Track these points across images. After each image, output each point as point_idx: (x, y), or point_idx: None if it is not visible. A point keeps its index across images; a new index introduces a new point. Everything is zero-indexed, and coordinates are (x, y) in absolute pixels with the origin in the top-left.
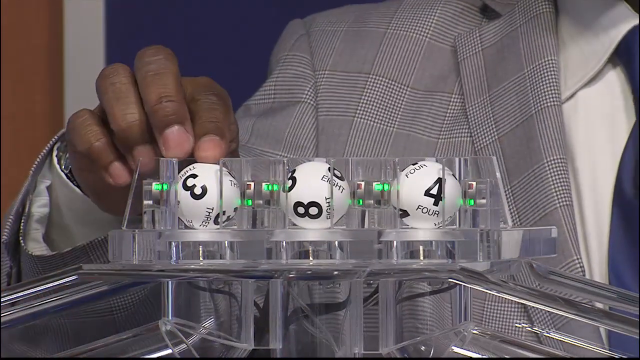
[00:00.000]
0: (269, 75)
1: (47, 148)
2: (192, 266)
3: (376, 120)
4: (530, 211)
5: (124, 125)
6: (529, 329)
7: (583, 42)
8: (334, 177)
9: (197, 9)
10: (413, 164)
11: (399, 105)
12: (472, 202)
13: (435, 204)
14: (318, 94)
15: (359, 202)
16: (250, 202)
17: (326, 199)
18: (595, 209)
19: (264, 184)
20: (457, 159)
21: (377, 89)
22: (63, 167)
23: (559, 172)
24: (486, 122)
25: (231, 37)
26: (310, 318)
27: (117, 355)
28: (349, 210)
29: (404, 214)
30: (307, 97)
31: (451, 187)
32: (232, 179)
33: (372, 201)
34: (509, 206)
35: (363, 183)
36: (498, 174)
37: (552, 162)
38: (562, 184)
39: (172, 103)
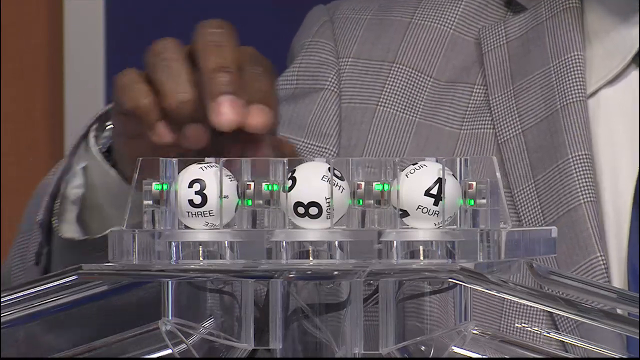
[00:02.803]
0: (290, 61)
1: (85, 128)
2: (192, 266)
3: (399, 109)
4: (554, 206)
5: (175, 104)
6: (529, 329)
7: (607, 40)
8: (334, 177)
9: (197, 9)
10: (413, 164)
11: (422, 95)
12: (472, 202)
13: (435, 204)
14: (341, 81)
15: (359, 202)
16: (250, 202)
17: (326, 199)
18: (615, 207)
19: (264, 184)
20: (458, 159)
21: (400, 78)
22: (99, 148)
23: (584, 168)
24: (510, 115)
25: None
26: (311, 318)
27: (117, 355)
28: (349, 210)
29: (404, 214)
30: (331, 84)
31: (451, 187)
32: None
33: (372, 201)
34: (532, 200)
35: (363, 183)
36: (498, 174)
37: (577, 157)
38: (587, 179)
39: (229, 74)
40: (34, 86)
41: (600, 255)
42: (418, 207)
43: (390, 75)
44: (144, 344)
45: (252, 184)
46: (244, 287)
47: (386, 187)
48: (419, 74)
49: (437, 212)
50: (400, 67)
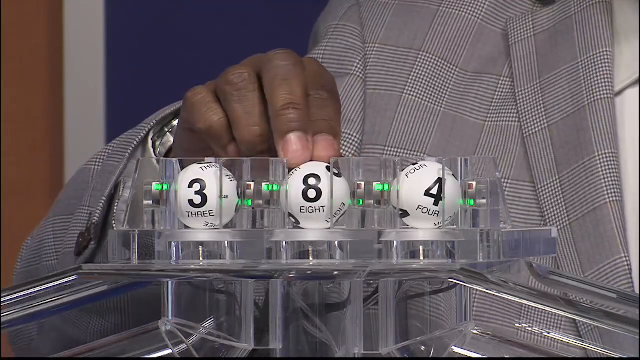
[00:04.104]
0: (313, 44)
1: (144, 132)
2: (192, 266)
3: (424, 98)
4: (579, 203)
5: (248, 137)
6: (529, 328)
7: (634, 40)
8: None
9: (197, 9)
10: (413, 164)
11: (447, 84)
12: (472, 202)
13: (435, 204)
14: (367, 67)
15: (359, 202)
16: (250, 202)
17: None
18: (634, 209)
19: (264, 184)
20: (459, 159)
21: (426, 66)
22: (158, 151)
23: (610, 167)
24: (536, 109)
25: (231, 37)
26: (311, 318)
27: (117, 355)
28: (349, 210)
29: (404, 214)
30: (357, 69)
31: (451, 187)
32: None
33: (372, 201)
34: (556, 196)
35: (363, 183)
36: (498, 174)
37: (604, 155)
38: (613, 178)
39: (297, 111)
40: (34, 86)
41: (625, 256)
42: (418, 207)
43: (417, 63)
44: (144, 344)
45: (252, 184)
46: (244, 287)
47: (386, 187)
48: (445, 64)
49: (437, 212)
50: (427, 55)
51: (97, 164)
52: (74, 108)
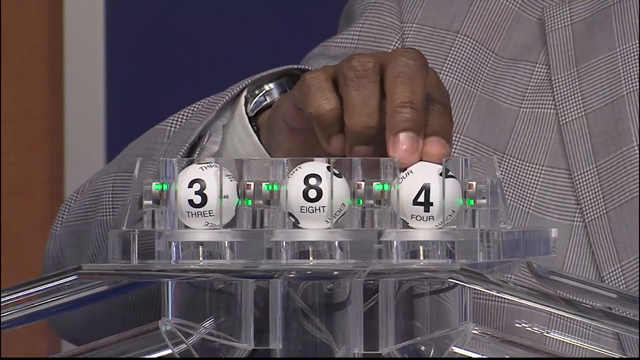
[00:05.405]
0: (345, 23)
1: (238, 88)
2: (192, 266)
3: (461, 80)
4: (616, 193)
5: (358, 127)
6: (529, 329)
7: None
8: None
9: (197, 9)
10: (402, 170)
11: (484, 69)
12: (472, 202)
13: (426, 210)
14: (404, 46)
15: (359, 202)
16: (250, 202)
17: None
18: None
19: (264, 184)
20: (459, 159)
21: (464, 49)
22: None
23: None
24: (573, 97)
25: (231, 37)
26: (311, 318)
27: (117, 355)
28: (349, 210)
29: (405, 222)
30: (394, 48)
31: (451, 187)
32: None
33: (372, 201)
34: (593, 185)
35: (363, 183)
36: (498, 174)
37: None
38: None
39: (414, 111)
40: (34, 86)
41: None
42: (412, 216)
43: (454, 45)
44: (144, 344)
45: (252, 184)
46: (244, 287)
47: (386, 187)
48: (482, 48)
49: (431, 217)
50: (465, 38)
51: (173, 125)
52: (74, 108)
